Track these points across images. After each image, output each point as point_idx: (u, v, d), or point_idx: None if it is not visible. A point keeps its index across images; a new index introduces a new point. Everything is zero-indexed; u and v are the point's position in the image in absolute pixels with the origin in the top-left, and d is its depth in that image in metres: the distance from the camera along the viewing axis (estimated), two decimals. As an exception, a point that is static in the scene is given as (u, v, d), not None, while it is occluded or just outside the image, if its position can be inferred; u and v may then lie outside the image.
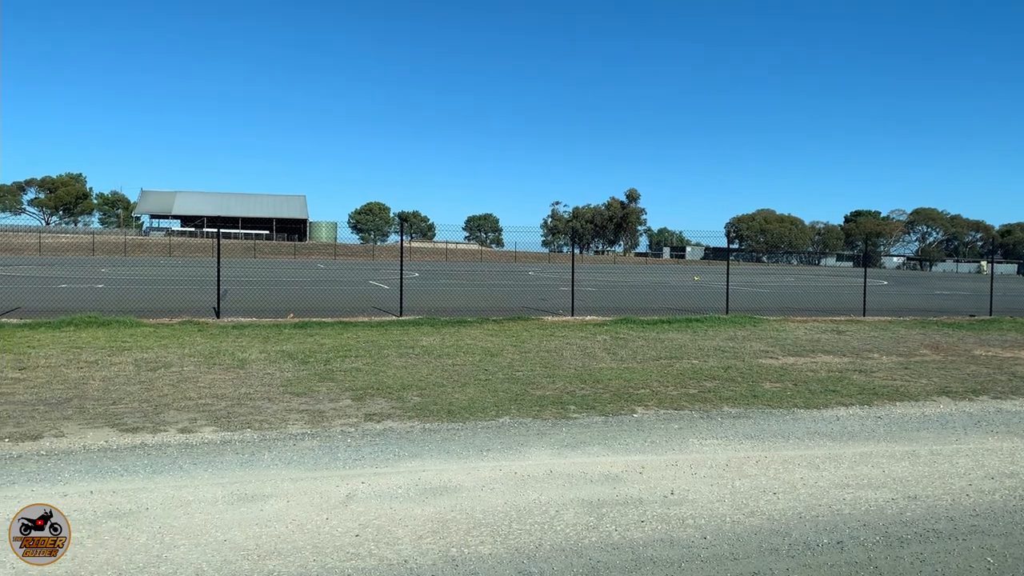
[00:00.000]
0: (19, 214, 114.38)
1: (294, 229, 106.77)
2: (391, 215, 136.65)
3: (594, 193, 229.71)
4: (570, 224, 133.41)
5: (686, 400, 8.38)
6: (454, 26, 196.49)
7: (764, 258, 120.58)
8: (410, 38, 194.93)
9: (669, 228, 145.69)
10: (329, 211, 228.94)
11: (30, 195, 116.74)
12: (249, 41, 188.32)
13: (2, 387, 8.10)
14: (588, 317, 16.78)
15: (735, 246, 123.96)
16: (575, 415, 7.56)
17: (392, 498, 5.02)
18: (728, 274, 20.94)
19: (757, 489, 5.40)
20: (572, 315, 17.10)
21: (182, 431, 6.59)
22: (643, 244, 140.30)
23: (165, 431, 6.57)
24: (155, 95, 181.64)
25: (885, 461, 6.24)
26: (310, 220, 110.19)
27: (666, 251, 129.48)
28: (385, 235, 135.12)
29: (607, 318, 16.51)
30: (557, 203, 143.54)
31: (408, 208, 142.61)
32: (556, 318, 16.50)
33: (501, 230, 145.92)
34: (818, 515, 4.91)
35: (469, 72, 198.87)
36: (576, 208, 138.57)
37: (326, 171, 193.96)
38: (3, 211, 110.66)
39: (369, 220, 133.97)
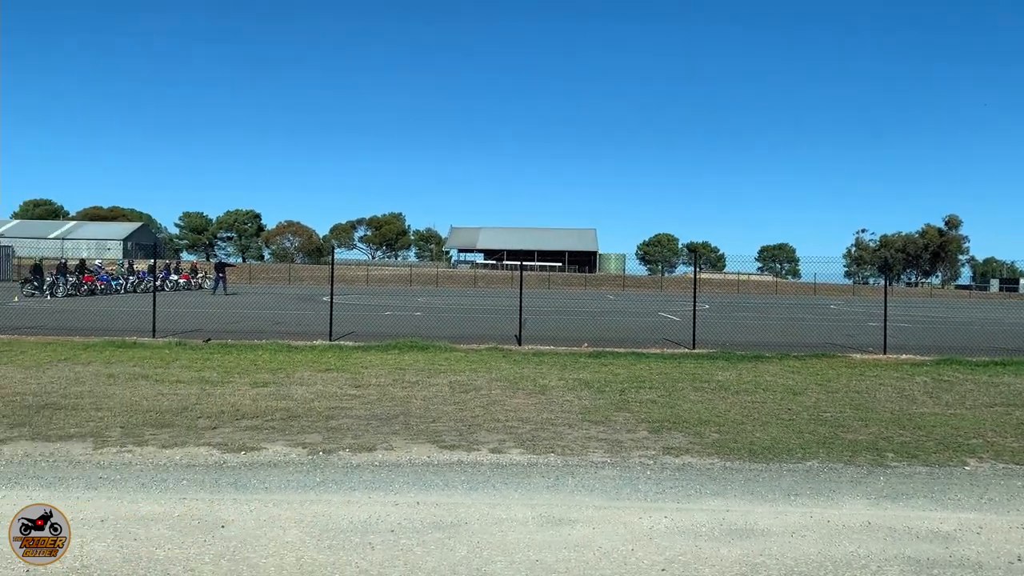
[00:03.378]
0: (351, 249, 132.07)
1: (584, 261, 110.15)
2: (679, 246, 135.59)
3: (904, 220, 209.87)
4: (879, 253, 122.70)
5: (1032, 455, 7.27)
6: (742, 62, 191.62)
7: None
8: (709, 76, 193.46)
9: (997, 258, 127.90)
10: (617, 243, 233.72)
11: (360, 232, 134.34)
12: (537, 87, 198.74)
13: (343, 402, 9.24)
14: (903, 356, 15.27)
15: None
16: (894, 463, 6.89)
17: (696, 536, 4.92)
18: (1080, 310, 17.88)
19: None
20: (884, 353, 15.67)
21: (493, 451, 7.04)
22: (965, 275, 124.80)
23: (478, 450, 7.06)
24: (464, 148, 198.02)
25: None
26: (600, 252, 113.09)
27: (994, 283, 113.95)
28: (673, 266, 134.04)
29: (926, 357, 14.91)
30: (862, 231, 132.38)
31: (696, 239, 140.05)
32: (866, 356, 15.23)
33: (797, 260, 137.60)
34: None
35: (764, 102, 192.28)
36: (884, 236, 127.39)
37: (615, 204, 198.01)
38: (339, 247, 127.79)
39: (657, 251, 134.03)
